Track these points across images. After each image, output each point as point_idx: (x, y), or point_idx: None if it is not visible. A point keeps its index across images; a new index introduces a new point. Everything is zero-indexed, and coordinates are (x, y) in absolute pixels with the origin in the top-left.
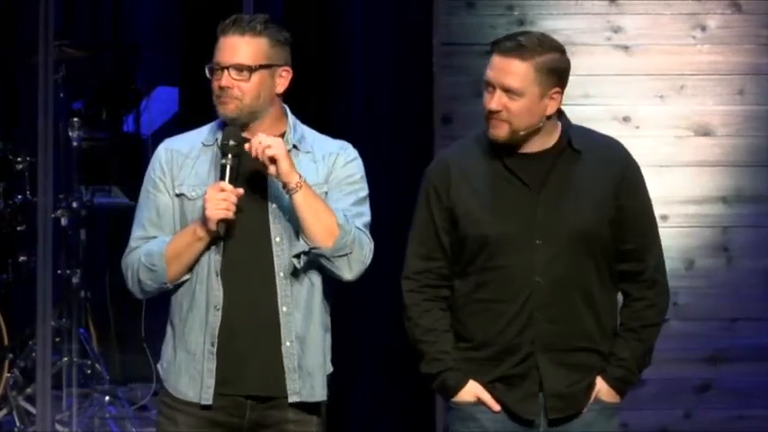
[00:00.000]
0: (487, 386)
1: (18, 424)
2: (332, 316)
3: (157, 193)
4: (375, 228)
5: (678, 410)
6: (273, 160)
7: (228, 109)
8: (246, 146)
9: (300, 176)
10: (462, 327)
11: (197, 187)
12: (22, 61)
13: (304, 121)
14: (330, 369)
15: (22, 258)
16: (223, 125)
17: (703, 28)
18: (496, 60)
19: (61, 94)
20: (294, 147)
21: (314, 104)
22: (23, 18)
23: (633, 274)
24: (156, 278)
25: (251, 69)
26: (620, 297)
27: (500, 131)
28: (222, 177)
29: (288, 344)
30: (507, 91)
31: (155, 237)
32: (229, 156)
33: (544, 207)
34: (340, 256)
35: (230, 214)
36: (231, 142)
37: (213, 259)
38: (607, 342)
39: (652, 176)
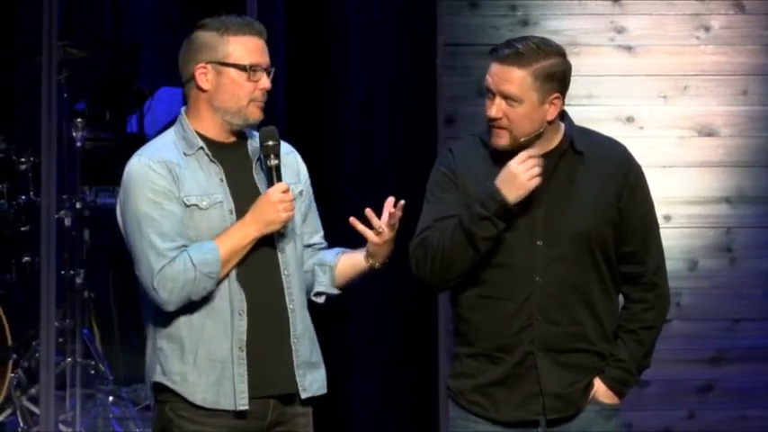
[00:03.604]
0: (486, 390)
1: (22, 424)
2: (334, 314)
3: (171, 203)
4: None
5: (681, 411)
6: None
7: (260, 114)
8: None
9: None
10: (463, 323)
11: (205, 197)
12: (21, 62)
13: (304, 122)
14: None
15: (25, 259)
16: (193, 132)
17: (707, 28)
18: (495, 68)
19: (65, 95)
20: None
21: (314, 105)
22: (22, 19)
23: (633, 276)
24: (210, 286)
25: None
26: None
27: (501, 140)
28: (272, 179)
29: (295, 340)
30: (506, 98)
31: (184, 245)
32: (272, 156)
33: (545, 208)
34: None
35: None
36: (271, 142)
37: None
38: (608, 344)
39: (655, 177)
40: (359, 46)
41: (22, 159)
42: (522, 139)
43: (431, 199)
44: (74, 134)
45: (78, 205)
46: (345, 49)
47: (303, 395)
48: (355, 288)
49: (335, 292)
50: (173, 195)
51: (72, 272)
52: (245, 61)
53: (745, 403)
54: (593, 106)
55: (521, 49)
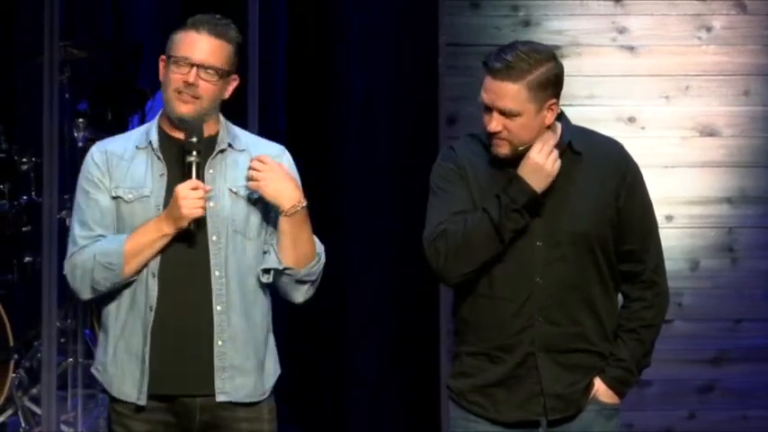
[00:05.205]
0: (486, 391)
1: (23, 424)
2: (334, 314)
3: (98, 193)
4: (378, 226)
5: (682, 411)
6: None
7: (186, 108)
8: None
9: (295, 204)
10: (463, 322)
11: (133, 190)
12: (21, 62)
13: (305, 122)
14: (278, 371)
15: (27, 259)
16: (159, 129)
17: (708, 29)
18: (489, 83)
19: (66, 95)
20: (229, 145)
21: (314, 105)
22: (22, 19)
23: (632, 275)
24: (111, 277)
25: (219, 73)
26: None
27: (503, 149)
28: (190, 175)
29: (220, 343)
30: (504, 113)
31: (101, 236)
32: (194, 153)
33: (545, 209)
34: (304, 282)
35: (203, 212)
36: (194, 139)
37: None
38: (608, 344)
39: (657, 177)
40: (359, 46)
41: (24, 159)
42: (520, 148)
43: (439, 193)
44: (75, 134)
45: None
46: (345, 49)
47: (220, 398)
48: (354, 288)
49: (281, 266)
50: (103, 186)
51: None
52: (173, 52)
53: (746, 403)
54: (594, 106)
55: (511, 61)
